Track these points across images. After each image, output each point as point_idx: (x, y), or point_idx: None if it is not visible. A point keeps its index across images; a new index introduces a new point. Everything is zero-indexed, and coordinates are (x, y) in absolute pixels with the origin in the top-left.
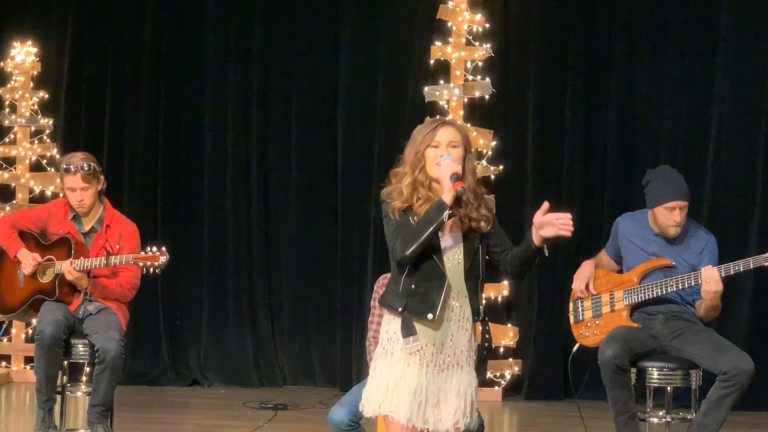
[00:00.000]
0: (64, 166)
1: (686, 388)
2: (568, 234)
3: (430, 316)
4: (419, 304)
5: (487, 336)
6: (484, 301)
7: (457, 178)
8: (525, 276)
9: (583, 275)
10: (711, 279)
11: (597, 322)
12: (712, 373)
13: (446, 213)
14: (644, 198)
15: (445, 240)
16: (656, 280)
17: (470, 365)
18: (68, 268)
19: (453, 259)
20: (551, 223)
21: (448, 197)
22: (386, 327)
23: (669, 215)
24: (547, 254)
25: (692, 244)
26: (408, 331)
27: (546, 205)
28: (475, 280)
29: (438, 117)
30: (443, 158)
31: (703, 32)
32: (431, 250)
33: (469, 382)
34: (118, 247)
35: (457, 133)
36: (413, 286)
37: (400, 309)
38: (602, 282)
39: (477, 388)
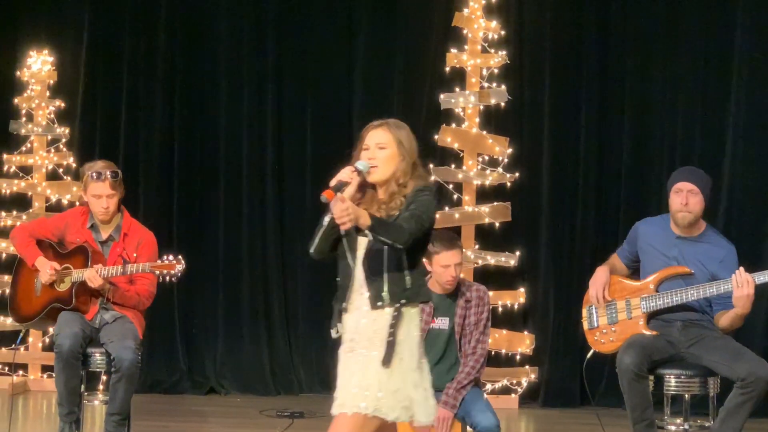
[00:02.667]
0: (92, 173)
1: (704, 395)
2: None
3: (344, 305)
4: (339, 296)
5: (393, 321)
6: (394, 288)
7: (338, 186)
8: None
9: (600, 282)
10: (744, 282)
11: (613, 328)
12: (730, 380)
13: (326, 218)
14: (659, 204)
15: (361, 234)
16: (675, 287)
17: (378, 351)
18: (92, 274)
19: (362, 251)
20: None
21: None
22: None
23: (677, 199)
24: (370, 237)
25: (713, 252)
26: (333, 320)
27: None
28: (375, 269)
29: (379, 120)
30: (357, 163)
31: (717, 37)
32: (347, 244)
33: (366, 365)
34: (135, 255)
35: (387, 135)
36: (338, 279)
37: (333, 300)
38: (616, 288)
39: (391, 375)
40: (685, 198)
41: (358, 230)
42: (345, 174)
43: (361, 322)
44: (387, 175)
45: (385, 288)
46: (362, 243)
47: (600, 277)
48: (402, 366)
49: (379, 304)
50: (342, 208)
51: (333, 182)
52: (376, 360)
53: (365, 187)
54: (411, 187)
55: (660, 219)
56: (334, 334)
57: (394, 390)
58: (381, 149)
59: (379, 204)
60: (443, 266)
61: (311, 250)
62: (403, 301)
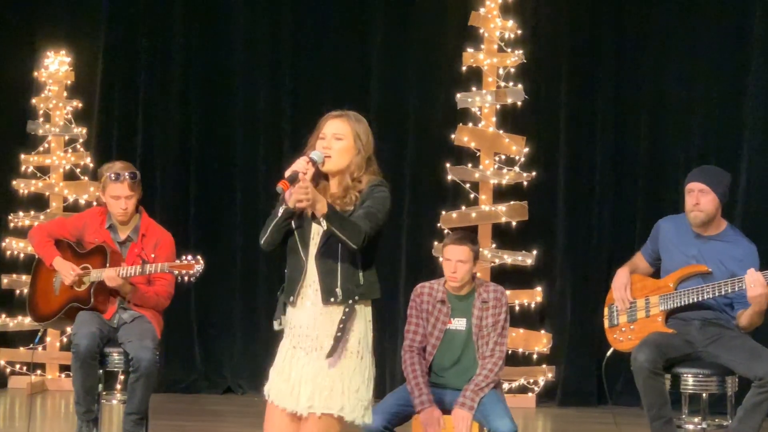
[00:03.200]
0: (110, 174)
1: (722, 394)
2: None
3: (291, 298)
4: (287, 288)
5: (343, 317)
6: (347, 285)
7: (293, 177)
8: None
9: (621, 283)
10: (756, 282)
11: (632, 327)
12: (748, 379)
13: (281, 208)
14: (676, 202)
15: (314, 228)
16: (693, 285)
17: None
18: (111, 274)
19: (315, 245)
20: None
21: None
22: None
23: (689, 199)
24: (324, 226)
25: (733, 250)
26: (277, 312)
27: None
28: (329, 264)
29: (338, 110)
30: (311, 153)
31: (734, 35)
32: (299, 237)
33: (329, 365)
34: (153, 256)
35: (345, 126)
36: (286, 271)
37: (279, 293)
38: (638, 287)
39: (351, 374)
40: (696, 198)
41: (313, 217)
42: (300, 165)
43: (316, 318)
44: (340, 167)
45: (339, 284)
46: (315, 237)
47: (621, 278)
48: (362, 364)
49: (332, 300)
50: (303, 186)
51: (287, 173)
52: (337, 358)
53: (318, 178)
54: (365, 182)
55: (681, 217)
56: (276, 326)
57: (355, 389)
58: (337, 140)
59: (333, 198)
60: (445, 259)
61: (261, 241)
62: (355, 297)
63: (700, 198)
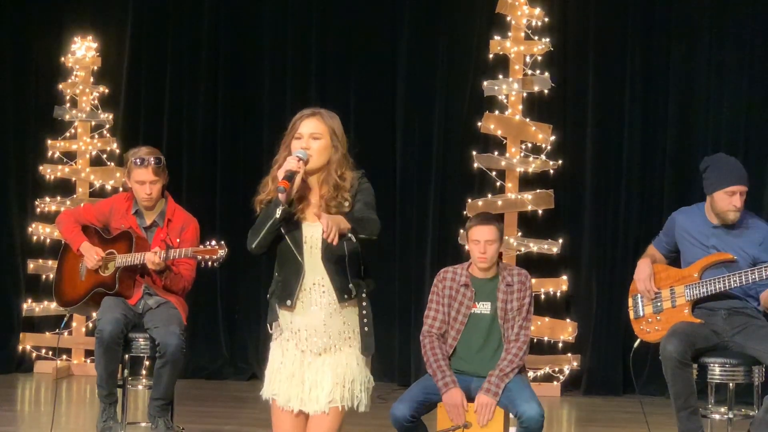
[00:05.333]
0: (135, 159)
1: (748, 384)
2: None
3: (288, 302)
4: (281, 291)
5: (364, 312)
6: (357, 281)
7: (289, 176)
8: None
9: (645, 275)
10: None
11: (658, 317)
12: None
13: (280, 209)
14: (703, 192)
15: (307, 229)
16: (718, 274)
17: (351, 346)
18: (152, 256)
19: (314, 245)
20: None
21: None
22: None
23: (729, 200)
24: (353, 240)
25: (751, 235)
26: (272, 316)
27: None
28: (337, 262)
29: (311, 108)
30: (295, 152)
31: (763, 24)
32: (291, 239)
33: (347, 363)
34: (178, 241)
35: (321, 125)
36: (276, 274)
37: (268, 296)
38: (662, 277)
39: (362, 367)
40: (739, 201)
41: (341, 236)
42: (292, 164)
43: (325, 319)
44: (320, 165)
45: (350, 280)
46: (309, 240)
47: (644, 270)
48: (369, 352)
49: (346, 297)
50: (329, 225)
51: (281, 173)
52: (352, 355)
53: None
54: (349, 179)
55: (696, 208)
56: (275, 329)
57: (368, 379)
58: (315, 139)
59: (323, 199)
60: (473, 241)
61: (252, 246)
62: (364, 291)
63: (742, 200)
